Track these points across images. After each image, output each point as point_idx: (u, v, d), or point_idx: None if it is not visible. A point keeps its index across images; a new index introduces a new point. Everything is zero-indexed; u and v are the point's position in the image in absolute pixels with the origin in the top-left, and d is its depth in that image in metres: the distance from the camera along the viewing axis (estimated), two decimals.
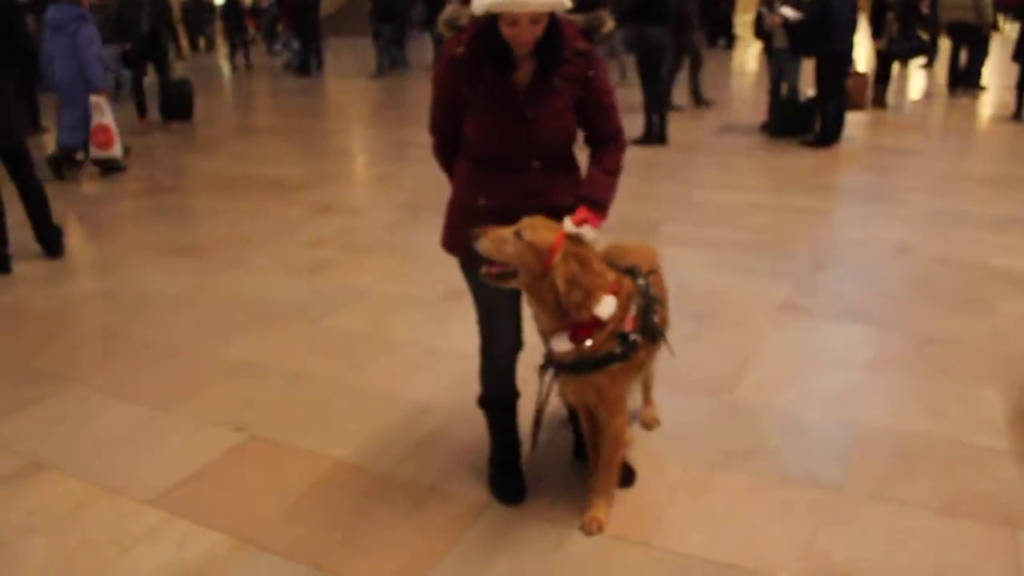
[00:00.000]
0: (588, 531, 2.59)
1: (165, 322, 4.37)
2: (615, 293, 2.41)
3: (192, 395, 3.55)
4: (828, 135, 8.25)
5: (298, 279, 4.97)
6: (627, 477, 2.82)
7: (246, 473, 3.00)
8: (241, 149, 9.06)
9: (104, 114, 7.38)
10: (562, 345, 2.42)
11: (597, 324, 2.39)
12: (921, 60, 11.16)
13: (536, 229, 2.35)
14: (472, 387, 2.92)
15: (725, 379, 3.55)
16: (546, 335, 2.48)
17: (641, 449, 3.01)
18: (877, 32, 10.56)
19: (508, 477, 2.82)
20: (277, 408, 3.44)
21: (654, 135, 8.56)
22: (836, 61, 8.12)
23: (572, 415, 2.89)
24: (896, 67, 10.19)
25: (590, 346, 2.40)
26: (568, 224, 2.39)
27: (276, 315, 4.41)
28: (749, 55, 18.14)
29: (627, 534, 2.59)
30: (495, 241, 2.35)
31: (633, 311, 2.46)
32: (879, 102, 10.34)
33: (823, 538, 2.55)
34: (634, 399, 3.17)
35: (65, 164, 7.62)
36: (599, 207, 2.50)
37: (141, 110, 10.39)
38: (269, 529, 2.67)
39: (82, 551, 2.58)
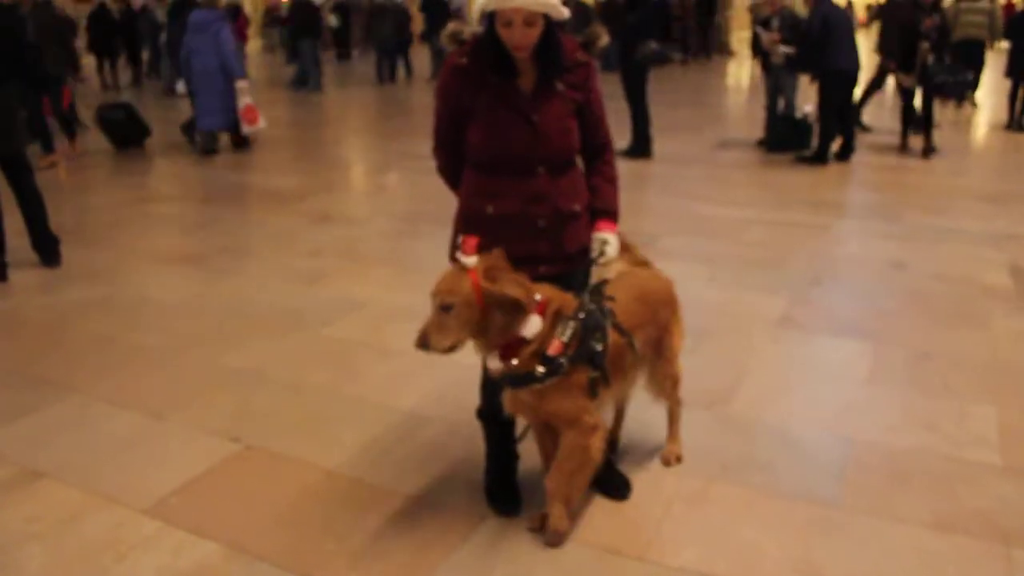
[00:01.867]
0: (549, 543, 2.59)
1: (162, 330, 4.38)
2: (540, 313, 2.40)
3: (189, 403, 3.56)
4: (824, 152, 8.24)
5: (296, 288, 4.98)
6: (622, 489, 2.83)
7: (241, 482, 3.00)
8: (238, 159, 9.07)
9: (247, 97, 8.76)
10: (494, 364, 2.45)
11: (521, 343, 2.40)
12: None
13: (447, 290, 2.31)
14: (469, 398, 2.93)
15: (722, 392, 3.56)
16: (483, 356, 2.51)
17: (636, 461, 3.03)
18: (905, 64, 8.68)
19: (504, 488, 2.83)
20: (274, 417, 3.44)
21: (641, 148, 8.55)
22: (838, 78, 8.08)
23: None
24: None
25: (516, 364, 2.41)
26: (461, 257, 2.33)
27: (274, 324, 4.42)
28: (744, 71, 18.23)
29: (622, 547, 2.60)
30: (439, 332, 2.32)
31: (566, 335, 2.41)
32: (928, 149, 8.61)
33: (818, 552, 2.56)
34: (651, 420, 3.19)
35: (209, 140, 8.95)
36: (613, 216, 2.68)
37: (68, 133, 9.10)
38: (263, 538, 2.67)
39: (79, 558, 2.58)
